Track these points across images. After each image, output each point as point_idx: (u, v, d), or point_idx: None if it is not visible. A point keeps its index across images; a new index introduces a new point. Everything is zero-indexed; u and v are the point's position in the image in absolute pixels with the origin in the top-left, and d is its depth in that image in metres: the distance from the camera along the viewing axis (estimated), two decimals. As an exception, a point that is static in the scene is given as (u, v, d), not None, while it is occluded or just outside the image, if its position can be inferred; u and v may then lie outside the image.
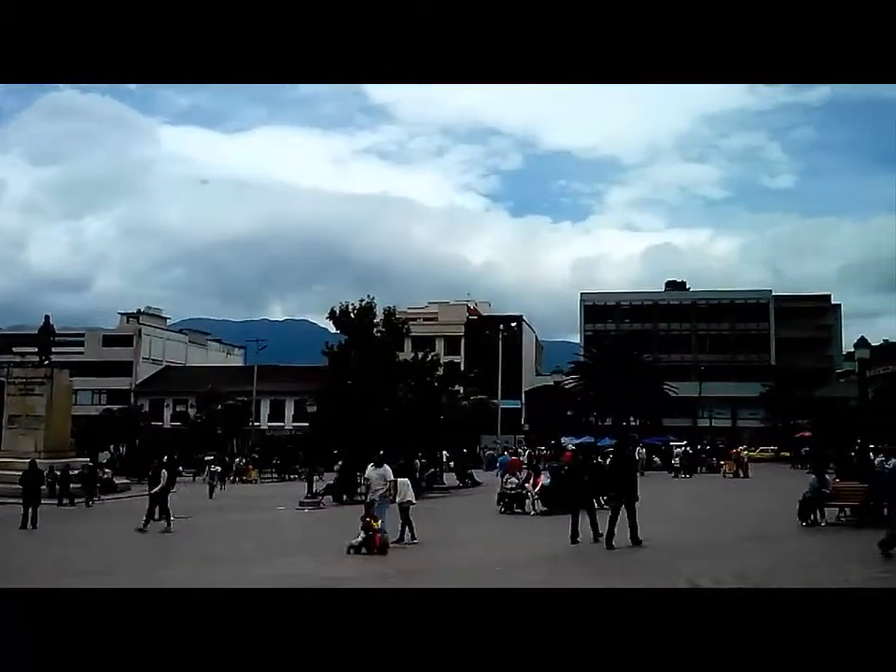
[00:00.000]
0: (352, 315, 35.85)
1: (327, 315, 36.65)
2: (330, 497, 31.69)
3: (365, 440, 28.90)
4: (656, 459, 51.32)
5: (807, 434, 60.56)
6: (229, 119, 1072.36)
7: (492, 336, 75.99)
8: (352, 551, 15.71)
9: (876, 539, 13.60)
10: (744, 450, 49.92)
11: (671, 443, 55.51)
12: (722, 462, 46.26)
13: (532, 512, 23.44)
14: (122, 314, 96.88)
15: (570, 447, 29.14)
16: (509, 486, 24.78)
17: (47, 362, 41.65)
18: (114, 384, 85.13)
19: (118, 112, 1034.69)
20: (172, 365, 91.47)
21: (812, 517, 18.75)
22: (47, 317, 43.54)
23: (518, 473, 26.08)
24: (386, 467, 17.53)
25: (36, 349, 43.54)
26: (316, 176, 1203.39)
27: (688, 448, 49.59)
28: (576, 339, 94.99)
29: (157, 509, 22.06)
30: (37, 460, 28.24)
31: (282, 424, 79.67)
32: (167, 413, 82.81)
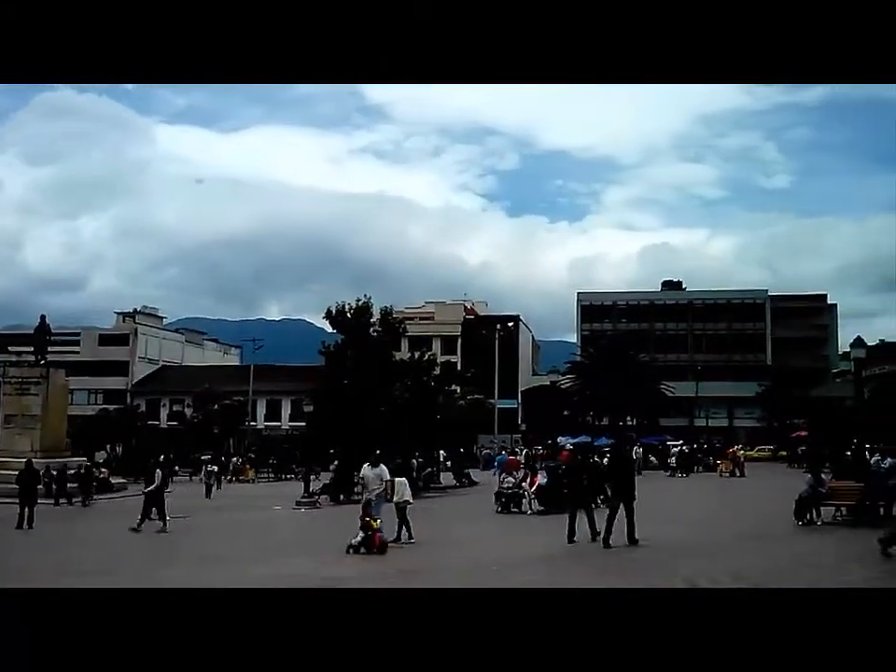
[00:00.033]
0: (348, 314, 35.84)
1: (323, 315, 36.68)
2: (327, 496, 31.69)
3: (362, 439, 28.87)
4: (653, 459, 51.39)
5: (804, 433, 60.70)
6: (225, 119, 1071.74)
7: (489, 336, 76.00)
8: (351, 550, 15.71)
9: (872, 538, 13.64)
10: (740, 449, 50.03)
11: (668, 443, 55.59)
12: (719, 461, 46.34)
13: (529, 512, 23.45)
14: (118, 313, 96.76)
15: (568, 447, 29.16)
16: (506, 486, 24.80)
17: (43, 362, 41.60)
18: (110, 383, 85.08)
19: (114, 111, 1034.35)
20: (168, 365, 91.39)
21: (808, 516, 18.78)
22: (43, 317, 43.48)
23: (515, 473, 26.09)
24: (382, 466, 17.51)
25: (32, 349, 43.47)
26: (313, 176, 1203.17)
27: (684, 448, 49.66)
28: (573, 338, 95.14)
29: (152, 509, 22.05)
30: (34, 460, 28.22)
31: (278, 423, 79.63)
32: (163, 413, 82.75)
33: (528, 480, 24.82)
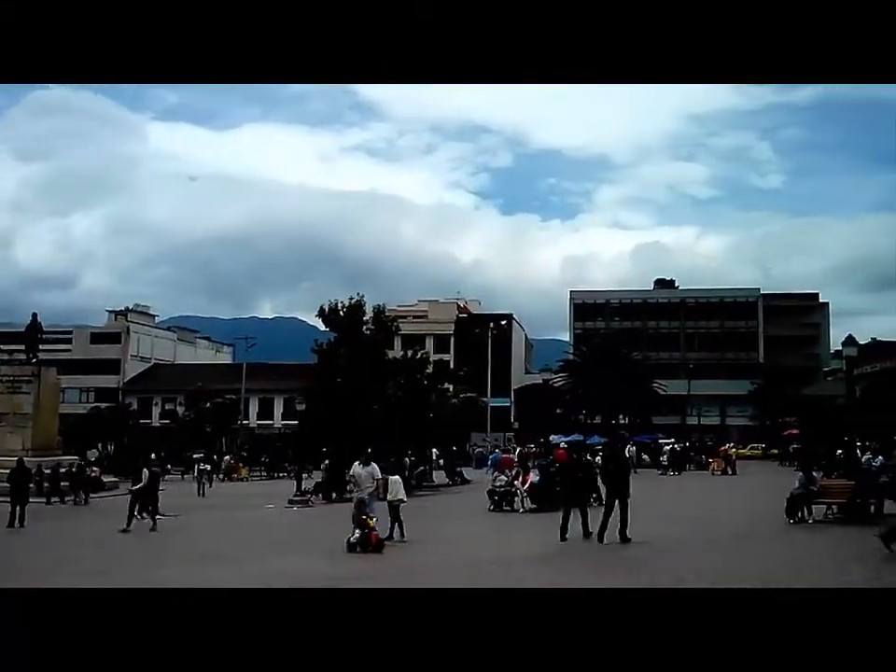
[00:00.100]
0: (341, 312, 35.81)
1: (316, 313, 36.64)
2: (319, 495, 31.68)
3: (354, 438, 28.84)
4: (645, 457, 51.53)
5: (795, 432, 60.89)
6: (217, 116, 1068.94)
7: (481, 334, 76.17)
8: (352, 548, 15.69)
9: (864, 536, 13.70)
10: (732, 447, 50.21)
11: (660, 441, 55.72)
12: (711, 460, 46.51)
13: (521, 510, 23.49)
14: (110, 311, 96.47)
15: (562, 445, 29.20)
16: (498, 484, 24.83)
17: (34, 360, 41.44)
18: (102, 381, 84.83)
19: (106, 108, 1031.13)
20: (160, 363, 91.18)
21: (800, 514, 18.86)
22: (34, 315, 43.29)
23: (507, 471, 26.13)
24: (374, 465, 17.44)
25: (24, 347, 43.29)
26: (305, 174, 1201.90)
27: (676, 446, 49.82)
28: (565, 337, 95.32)
29: (137, 507, 22.01)
30: (25, 458, 28.10)
31: (271, 422, 79.56)
32: (156, 411, 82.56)
33: (521, 478, 24.86)
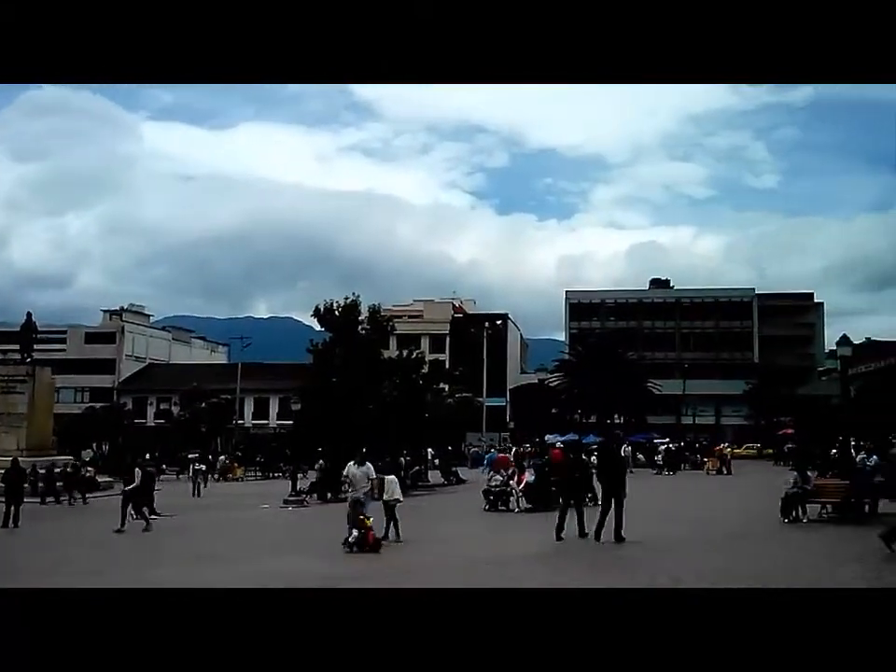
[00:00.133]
0: (337, 312, 35.78)
1: (311, 313, 36.61)
2: (315, 495, 31.65)
3: (350, 437, 28.83)
4: (640, 456, 51.55)
5: (790, 431, 61.01)
6: (213, 116, 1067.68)
7: (477, 334, 76.13)
8: (351, 548, 15.68)
9: (858, 535, 13.74)
10: (727, 447, 50.25)
11: (655, 441, 55.78)
12: (706, 459, 46.54)
13: (516, 510, 23.49)
14: (105, 311, 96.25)
15: (558, 445, 29.22)
16: (493, 484, 24.83)
17: (29, 360, 41.35)
18: (96, 381, 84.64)
19: (101, 108, 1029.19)
20: (155, 362, 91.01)
21: (794, 513, 18.89)
22: (29, 314, 43.23)
23: (503, 471, 26.12)
24: (369, 464, 17.39)
25: (18, 346, 43.20)
26: (301, 173, 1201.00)
27: (671, 445, 49.85)
28: (561, 336, 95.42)
29: (130, 507, 21.97)
30: (20, 458, 28.05)
31: (266, 422, 79.48)
32: (150, 411, 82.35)
33: (516, 478, 24.87)
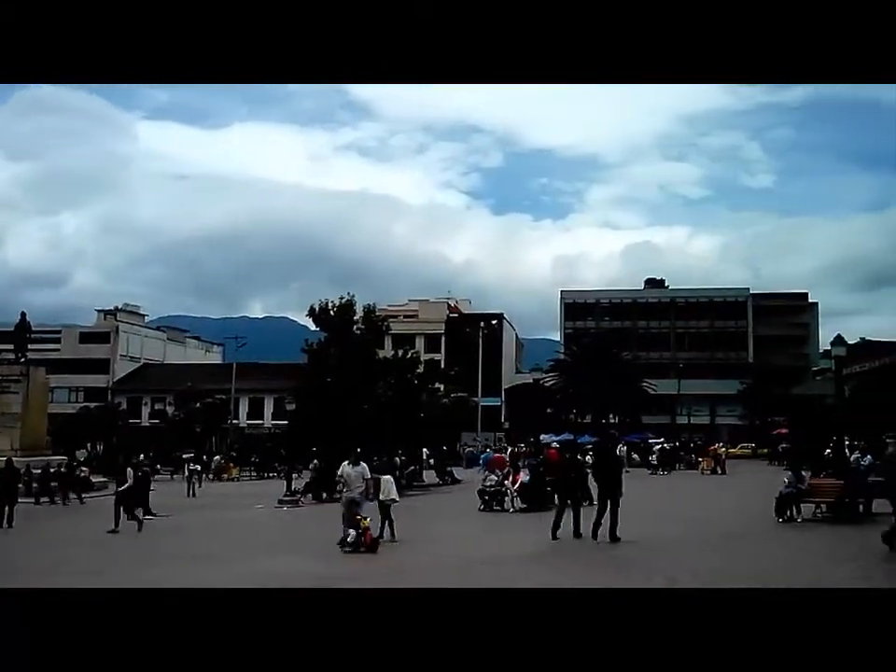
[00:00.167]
0: (332, 312, 35.77)
1: (306, 313, 36.57)
2: (309, 495, 31.63)
3: (345, 437, 28.81)
4: (635, 456, 51.62)
5: (784, 431, 61.08)
6: (208, 115, 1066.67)
7: (472, 334, 76.15)
8: (348, 548, 15.67)
9: (853, 535, 13.77)
10: (722, 447, 50.33)
11: (650, 440, 55.85)
12: (700, 459, 46.62)
13: (511, 510, 23.50)
14: (99, 310, 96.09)
15: (553, 445, 29.18)
16: (488, 484, 24.83)
17: (23, 359, 41.28)
18: (91, 381, 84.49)
19: (96, 107, 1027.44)
20: (150, 362, 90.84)
21: (788, 513, 18.93)
22: (23, 314, 43.12)
23: (498, 471, 26.13)
24: (363, 464, 17.37)
25: (12, 346, 43.11)
26: (296, 173, 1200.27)
27: (666, 445, 49.92)
28: (556, 336, 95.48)
29: (122, 508, 21.93)
30: (14, 458, 27.97)
31: (261, 421, 79.40)
32: (145, 411, 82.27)
33: (511, 478, 24.87)
